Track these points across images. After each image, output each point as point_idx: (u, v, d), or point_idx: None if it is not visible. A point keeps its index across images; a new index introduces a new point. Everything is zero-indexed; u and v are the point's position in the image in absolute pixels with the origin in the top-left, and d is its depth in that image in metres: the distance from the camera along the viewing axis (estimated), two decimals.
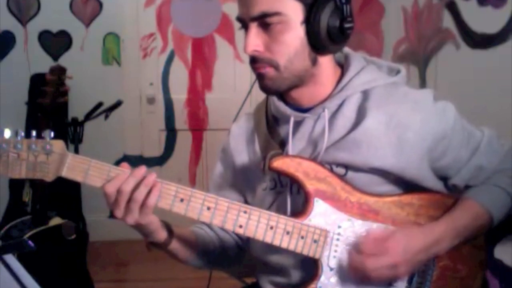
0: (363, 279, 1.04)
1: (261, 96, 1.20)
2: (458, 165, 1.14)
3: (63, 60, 3.36)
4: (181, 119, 3.58)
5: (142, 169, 1.01)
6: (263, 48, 1.05)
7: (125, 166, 1.03)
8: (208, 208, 1.04)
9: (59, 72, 2.37)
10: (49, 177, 1.01)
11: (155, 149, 3.61)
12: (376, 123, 1.08)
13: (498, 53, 2.08)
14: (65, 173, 1.01)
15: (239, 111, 1.27)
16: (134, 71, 3.49)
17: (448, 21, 2.48)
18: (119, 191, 0.99)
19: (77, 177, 1.01)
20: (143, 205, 1.00)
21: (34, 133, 1.00)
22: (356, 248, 1.05)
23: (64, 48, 3.43)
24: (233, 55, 3.48)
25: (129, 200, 0.99)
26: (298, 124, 1.14)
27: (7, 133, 0.98)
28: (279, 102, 1.15)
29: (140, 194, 0.99)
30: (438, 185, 1.15)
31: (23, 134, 0.99)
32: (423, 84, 2.76)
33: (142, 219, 1.02)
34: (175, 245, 1.15)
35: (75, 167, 1.01)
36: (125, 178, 1.00)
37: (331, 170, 1.10)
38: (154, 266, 3.06)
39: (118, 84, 3.43)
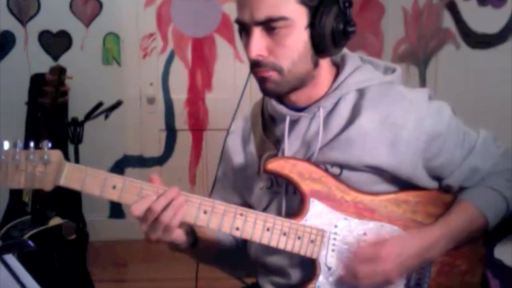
0: (356, 285, 1.05)
1: (260, 95, 1.20)
2: (452, 165, 1.14)
3: (63, 60, 3.36)
4: (181, 119, 3.57)
5: (174, 191, 1.01)
6: (267, 52, 1.05)
7: (155, 179, 1.03)
8: (205, 212, 1.04)
9: (59, 72, 2.37)
10: (48, 187, 1.02)
11: (155, 149, 3.61)
12: (370, 121, 1.08)
13: (498, 53, 2.07)
14: (63, 182, 1.01)
15: (235, 112, 1.27)
16: (134, 71, 3.48)
17: (448, 21, 2.48)
18: (149, 209, 0.99)
19: (74, 186, 1.02)
20: (166, 226, 1.00)
21: (32, 143, 1.01)
22: (351, 254, 1.06)
23: (64, 48, 3.42)
24: (233, 55, 3.47)
25: (155, 220, 1.00)
26: (293, 123, 1.14)
27: (6, 145, 1.00)
28: (275, 101, 1.15)
29: (167, 217, 0.99)
30: (432, 184, 1.15)
31: (21, 145, 1.00)
32: (423, 84, 2.76)
33: (164, 238, 1.03)
34: (197, 251, 1.16)
35: (72, 176, 1.01)
36: (153, 198, 0.99)
37: (326, 170, 1.10)
38: (154, 266, 3.06)
39: (118, 84, 3.43)
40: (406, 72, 2.87)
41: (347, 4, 1.05)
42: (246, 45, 1.06)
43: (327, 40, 1.04)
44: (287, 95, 1.12)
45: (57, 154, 1.01)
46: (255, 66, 1.07)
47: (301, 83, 1.09)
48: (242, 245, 1.29)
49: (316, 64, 1.09)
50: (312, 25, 1.04)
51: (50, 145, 1.02)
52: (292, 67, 1.06)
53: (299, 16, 1.03)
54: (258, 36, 1.04)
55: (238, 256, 1.29)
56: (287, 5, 1.02)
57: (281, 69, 1.05)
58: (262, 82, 1.08)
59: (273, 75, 1.06)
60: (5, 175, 0.99)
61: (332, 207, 1.08)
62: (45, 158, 1.00)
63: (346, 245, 1.08)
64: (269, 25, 1.02)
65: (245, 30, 1.06)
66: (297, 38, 1.04)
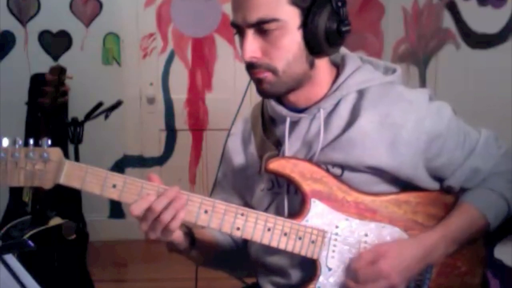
0: None
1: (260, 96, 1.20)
2: (453, 166, 1.14)
3: (63, 60, 3.36)
4: (181, 119, 3.58)
5: (175, 190, 1.00)
6: (261, 53, 1.05)
7: (154, 178, 1.02)
8: (206, 211, 1.04)
9: (59, 72, 2.36)
10: (47, 185, 1.01)
11: (155, 149, 3.61)
12: (369, 122, 1.08)
13: (498, 53, 2.07)
14: (63, 180, 1.01)
15: (237, 112, 1.27)
16: (134, 71, 3.49)
17: (448, 21, 2.48)
18: (150, 209, 0.98)
19: (74, 184, 1.01)
20: (166, 227, 1.00)
21: (31, 141, 1.00)
22: (351, 275, 1.05)
23: (64, 48, 3.42)
24: (233, 55, 3.47)
25: (155, 220, 0.99)
26: (294, 124, 1.14)
27: (5, 142, 0.98)
28: (275, 103, 1.15)
29: (167, 217, 0.99)
30: (433, 185, 1.15)
31: (21, 142, 0.99)
32: (423, 84, 2.76)
33: (164, 238, 1.03)
34: (195, 253, 1.16)
35: (72, 174, 1.01)
36: (153, 198, 0.99)
37: (327, 170, 1.10)
38: (154, 266, 3.06)
39: (118, 84, 3.43)
40: (406, 72, 2.87)
41: (340, 4, 1.04)
42: (241, 47, 1.06)
43: (321, 40, 1.04)
44: (286, 96, 1.12)
45: (56, 152, 1.01)
46: (250, 67, 1.07)
47: (297, 83, 1.09)
48: (242, 245, 1.29)
49: (312, 65, 1.09)
50: (305, 26, 1.03)
51: (50, 142, 1.01)
52: (287, 67, 1.05)
53: (292, 17, 1.03)
54: (251, 38, 1.04)
55: (237, 257, 1.29)
56: (279, 7, 1.02)
57: (275, 70, 1.05)
58: (258, 83, 1.09)
59: (268, 76, 1.06)
60: (4, 172, 0.98)
61: (333, 207, 1.08)
62: (45, 156, 0.99)
63: (347, 245, 1.08)
64: (262, 27, 1.03)
65: (239, 32, 1.07)
66: (290, 39, 1.04)
